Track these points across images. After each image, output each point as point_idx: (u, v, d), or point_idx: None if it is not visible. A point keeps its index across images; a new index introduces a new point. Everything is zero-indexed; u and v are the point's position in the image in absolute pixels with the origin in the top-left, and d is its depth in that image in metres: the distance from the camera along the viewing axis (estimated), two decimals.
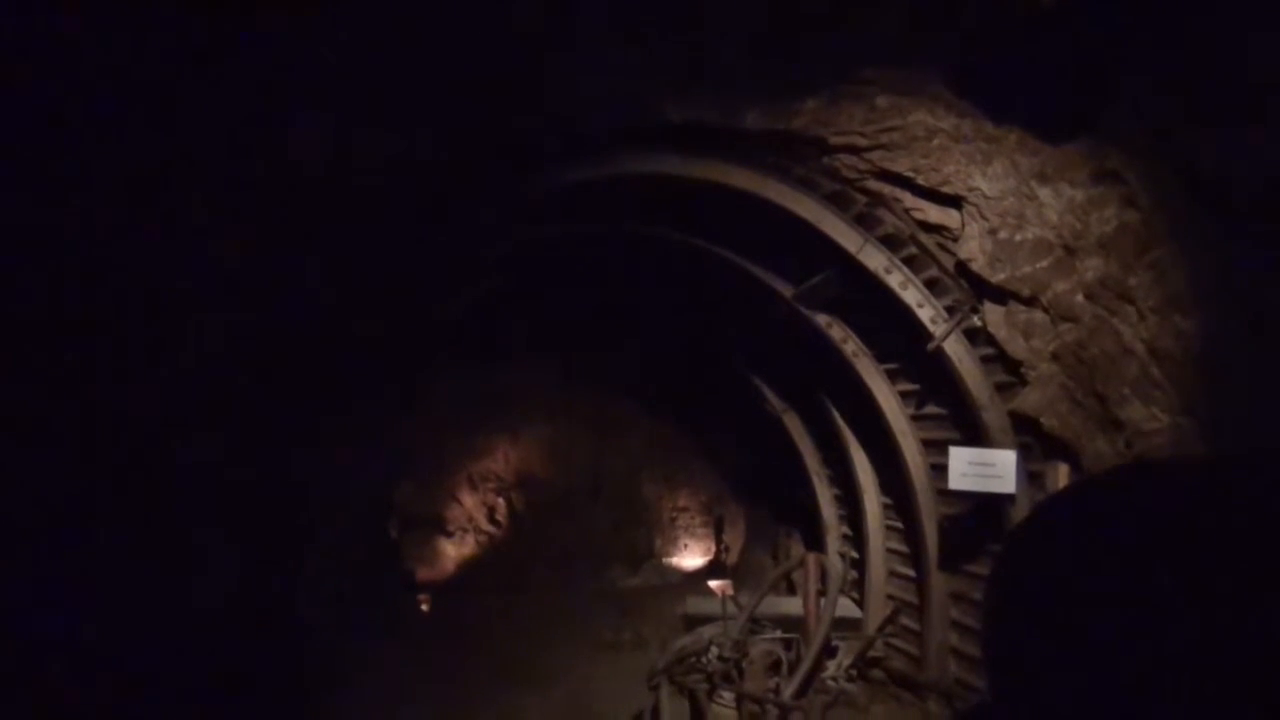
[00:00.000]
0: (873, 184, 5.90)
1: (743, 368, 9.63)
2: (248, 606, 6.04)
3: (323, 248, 5.59)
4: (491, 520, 13.48)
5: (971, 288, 5.79)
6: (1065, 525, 1.04)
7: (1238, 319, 3.91)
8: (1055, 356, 5.25)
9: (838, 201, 6.16)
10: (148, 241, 4.38)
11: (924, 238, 5.95)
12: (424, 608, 11.93)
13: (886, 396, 7.12)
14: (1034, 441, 5.75)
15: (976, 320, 5.84)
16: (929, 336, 6.04)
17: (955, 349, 6.00)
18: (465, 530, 13.46)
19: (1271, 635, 0.77)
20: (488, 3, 4.48)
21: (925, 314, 6.08)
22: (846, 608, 7.59)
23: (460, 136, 5.43)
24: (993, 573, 1.08)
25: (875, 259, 6.18)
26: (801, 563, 6.89)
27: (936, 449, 6.71)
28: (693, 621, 7.60)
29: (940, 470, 6.49)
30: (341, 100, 4.68)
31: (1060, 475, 5.51)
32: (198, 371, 5.09)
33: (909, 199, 5.83)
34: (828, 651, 6.28)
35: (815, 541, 9.41)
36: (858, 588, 8.44)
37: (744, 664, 6.15)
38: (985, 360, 5.97)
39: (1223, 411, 4.11)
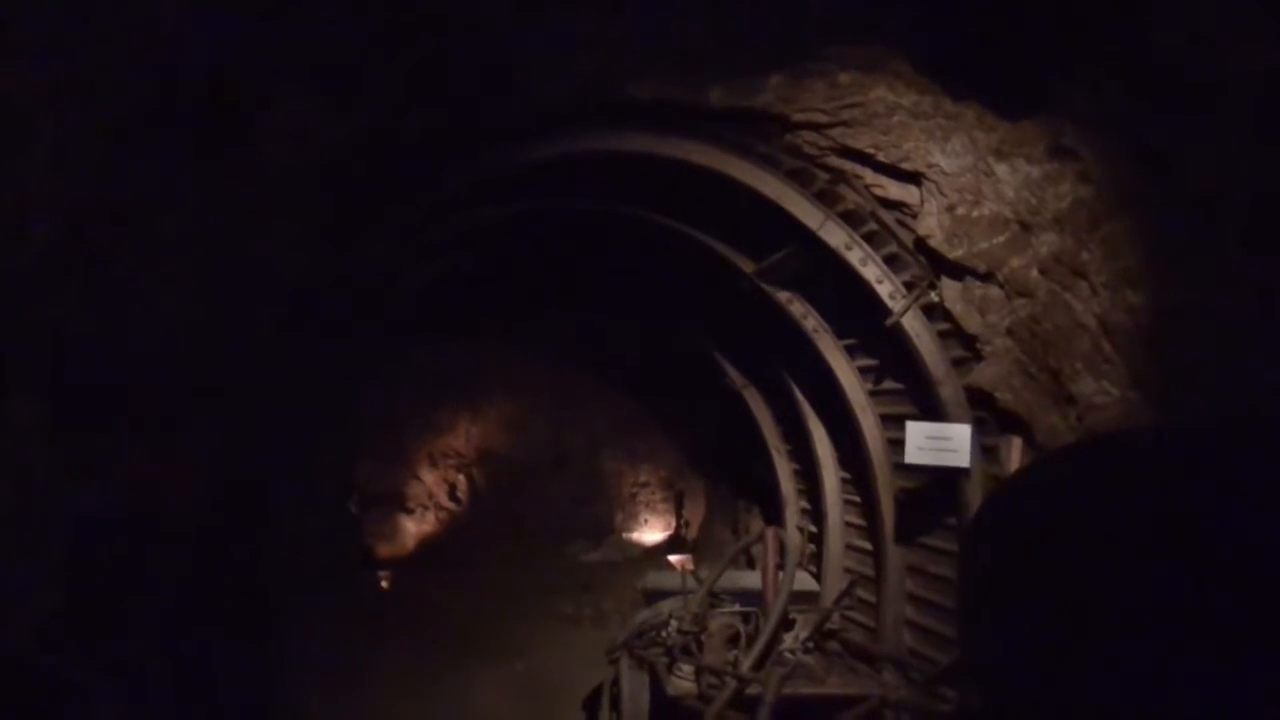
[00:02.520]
0: (834, 161, 5.92)
1: (704, 343, 9.67)
2: (206, 583, 5.97)
3: (282, 223, 5.50)
4: (452, 497, 13.45)
5: (929, 264, 5.85)
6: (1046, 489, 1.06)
7: (1186, 293, 3.99)
8: (1010, 331, 5.33)
9: (799, 178, 6.18)
10: (110, 218, 4.28)
11: (884, 214, 5.99)
12: (384, 584, 11.90)
13: (845, 372, 7.18)
14: (989, 416, 5.83)
15: (934, 296, 5.90)
16: (887, 312, 6.10)
17: (913, 324, 6.06)
18: (426, 507, 13.42)
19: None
20: None
21: (884, 290, 6.14)
22: (804, 581, 7.67)
23: (418, 113, 5.36)
24: (973, 531, 1.10)
25: (836, 235, 6.22)
26: (760, 537, 6.96)
27: (894, 424, 6.79)
28: (653, 596, 7.65)
29: (897, 445, 6.57)
30: (298, 74, 4.59)
31: (1014, 449, 5.61)
32: (155, 348, 5.00)
33: (869, 175, 5.86)
34: (785, 624, 6.37)
35: (775, 516, 9.50)
36: (816, 561, 8.54)
37: (703, 637, 6.21)
38: (942, 335, 6.04)
39: (1171, 385, 4.20)
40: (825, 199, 6.18)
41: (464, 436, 13.46)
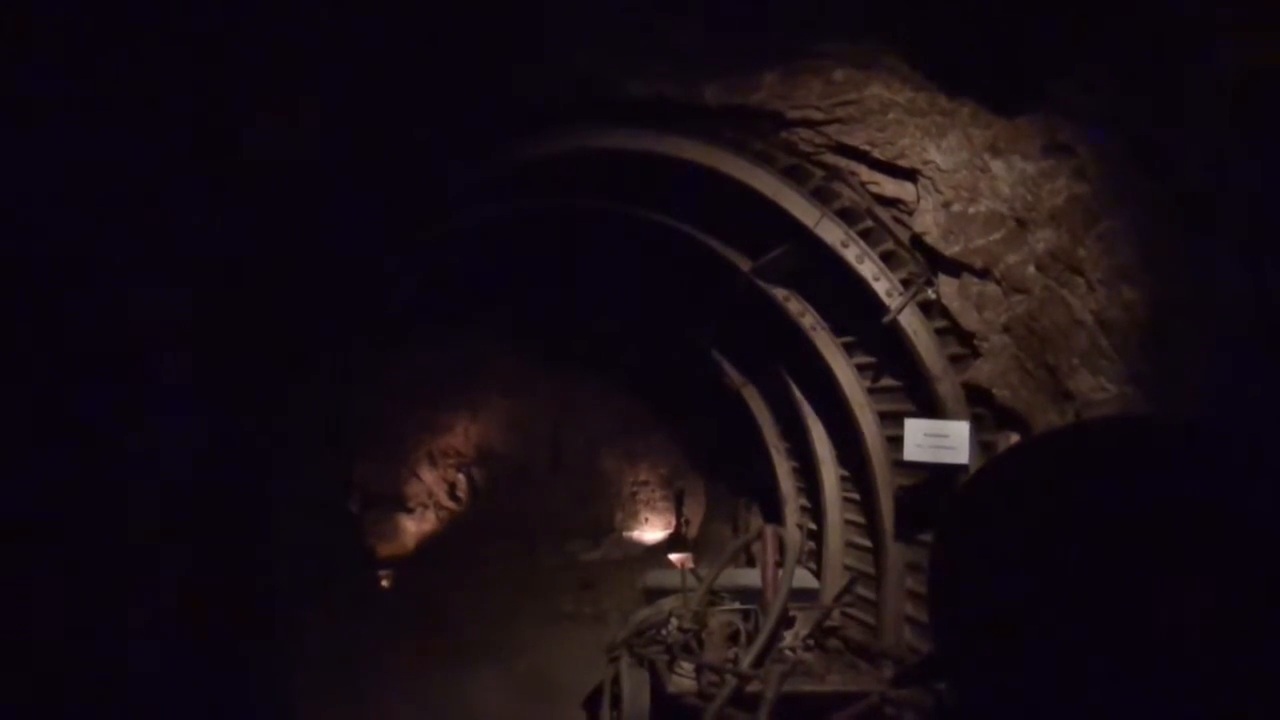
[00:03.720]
0: (829, 158, 5.91)
1: (702, 341, 9.66)
2: (206, 583, 5.98)
3: (278, 222, 5.50)
4: (452, 496, 13.45)
5: (926, 260, 5.85)
6: (1006, 484, 1.07)
7: (1182, 289, 3.99)
8: (1007, 328, 5.32)
9: (795, 175, 6.18)
10: (107, 213, 4.28)
11: (880, 211, 5.98)
12: (385, 583, 11.91)
13: (844, 369, 7.18)
14: (986, 412, 5.83)
15: (931, 293, 5.89)
16: (885, 309, 6.09)
17: (910, 321, 6.06)
18: (426, 506, 13.42)
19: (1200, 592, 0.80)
20: None
21: (881, 287, 6.13)
22: (804, 578, 7.67)
23: (417, 113, 5.36)
24: (938, 531, 1.11)
25: (832, 232, 6.22)
26: (759, 535, 6.97)
27: (893, 421, 6.79)
28: (653, 594, 7.66)
29: (896, 442, 6.57)
30: (290, 74, 4.59)
31: None
32: (152, 349, 5.00)
33: (865, 172, 5.86)
34: (785, 622, 6.37)
35: (775, 513, 9.50)
36: (815, 558, 8.54)
37: (703, 635, 6.23)
38: (939, 332, 6.04)
39: (1167, 381, 4.20)
40: (821, 196, 6.18)
41: (463, 436, 13.46)
